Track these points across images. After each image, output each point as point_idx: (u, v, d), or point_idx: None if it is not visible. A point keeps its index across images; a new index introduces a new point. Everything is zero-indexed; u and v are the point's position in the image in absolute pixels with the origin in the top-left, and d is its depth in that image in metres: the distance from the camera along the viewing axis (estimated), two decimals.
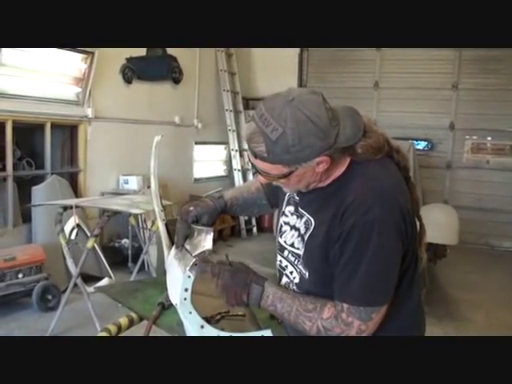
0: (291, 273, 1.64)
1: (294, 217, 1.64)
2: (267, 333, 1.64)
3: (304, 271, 1.57)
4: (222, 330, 1.69)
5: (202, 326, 1.64)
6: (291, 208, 1.67)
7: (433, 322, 4.80)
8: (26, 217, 5.91)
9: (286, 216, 1.69)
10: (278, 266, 1.72)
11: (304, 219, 1.58)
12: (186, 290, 1.62)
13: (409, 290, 1.57)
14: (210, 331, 1.64)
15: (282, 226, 1.70)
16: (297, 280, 1.61)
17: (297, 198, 1.64)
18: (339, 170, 1.51)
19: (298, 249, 1.60)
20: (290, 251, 1.64)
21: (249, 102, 10.30)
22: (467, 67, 8.92)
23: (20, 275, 5.09)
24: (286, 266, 1.66)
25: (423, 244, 1.62)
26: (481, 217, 8.99)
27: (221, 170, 10.08)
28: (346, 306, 1.43)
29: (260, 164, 1.46)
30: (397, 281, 1.46)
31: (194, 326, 1.63)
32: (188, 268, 1.60)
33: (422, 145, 9.41)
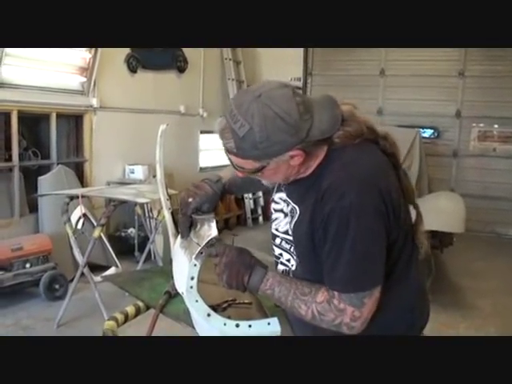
0: (288, 260, 1.64)
1: (286, 204, 1.63)
2: (274, 320, 1.64)
3: (297, 259, 1.58)
4: (229, 318, 1.69)
5: (209, 315, 1.64)
6: (282, 194, 1.65)
7: (439, 310, 4.80)
8: (33, 207, 5.93)
9: (277, 203, 1.68)
10: (273, 256, 1.71)
11: (290, 207, 1.58)
12: (193, 278, 1.62)
13: (404, 278, 1.56)
14: (217, 319, 1.64)
15: (272, 213, 1.70)
16: (294, 267, 1.61)
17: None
18: (319, 159, 1.50)
19: (291, 235, 1.59)
20: (283, 238, 1.64)
21: None
22: (473, 54, 8.83)
23: (27, 265, 5.11)
24: (281, 254, 1.66)
25: (421, 232, 1.61)
26: (487, 205, 8.94)
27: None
28: (336, 292, 1.43)
29: (233, 158, 1.48)
30: (385, 265, 1.45)
31: (200, 314, 1.63)
32: (194, 256, 1.60)
33: (428, 133, 9.35)
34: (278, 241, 1.66)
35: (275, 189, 1.70)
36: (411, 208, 1.63)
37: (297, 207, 1.55)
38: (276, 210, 1.67)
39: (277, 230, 1.66)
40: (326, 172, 1.47)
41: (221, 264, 1.56)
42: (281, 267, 1.66)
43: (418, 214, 1.63)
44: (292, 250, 1.61)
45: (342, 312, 1.42)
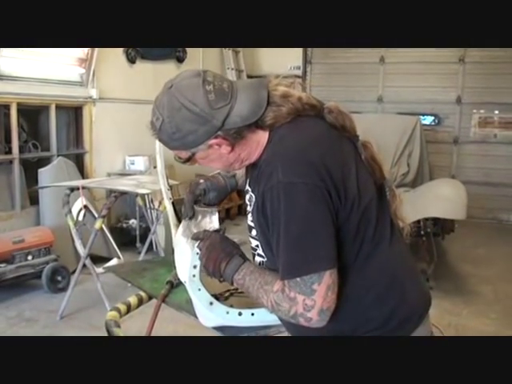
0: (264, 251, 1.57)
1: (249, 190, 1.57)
2: None
3: (263, 248, 1.54)
4: (231, 306, 1.69)
5: (211, 303, 1.64)
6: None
7: (441, 296, 4.82)
8: (34, 199, 5.92)
9: (247, 193, 1.59)
10: (251, 248, 1.64)
11: (249, 195, 1.53)
12: (195, 267, 1.63)
13: (372, 261, 1.45)
14: (219, 308, 1.65)
15: (247, 204, 1.60)
16: (266, 258, 1.56)
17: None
18: (261, 143, 1.47)
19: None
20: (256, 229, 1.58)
21: None
22: None
23: (29, 257, 5.11)
24: (257, 246, 1.58)
25: (397, 213, 1.53)
26: (488, 191, 8.93)
27: None
28: (285, 280, 1.36)
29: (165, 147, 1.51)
30: (335, 246, 1.35)
31: (203, 302, 1.64)
32: (196, 245, 1.60)
33: (428, 120, 9.32)
34: (253, 232, 1.57)
35: (248, 180, 1.62)
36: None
37: (253, 195, 1.50)
38: (248, 201, 1.58)
39: (252, 221, 1.57)
40: (264, 154, 1.45)
41: (203, 247, 1.56)
42: (258, 259, 1.60)
43: (391, 192, 1.53)
44: None
45: (293, 301, 1.35)
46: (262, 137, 1.46)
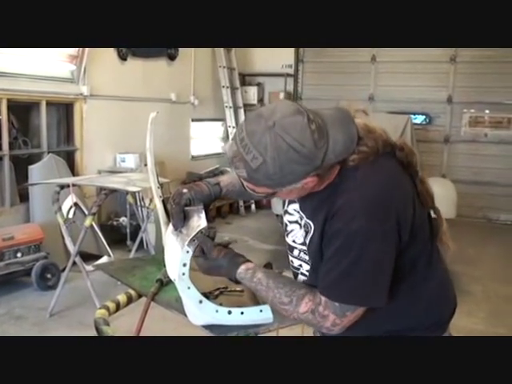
0: (308, 271, 1.62)
1: (299, 216, 1.59)
2: (265, 308, 1.65)
3: (312, 272, 1.57)
4: (221, 305, 1.69)
5: (201, 301, 1.64)
6: (296, 206, 1.61)
7: None
8: (24, 196, 5.90)
9: (291, 214, 1.64)
10: (291, 267, 1.69)
11: (303, 222, 1.55)
12: (185, 265, 1.62)
13: (424, 280, 1.55)
14: (209, 306, 1.65)
15: (287, 224, 1.66)
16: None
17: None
18: (333, 175, 1.45)
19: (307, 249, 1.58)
20: (301, 250, 1.62)
21: (245, 78, 10.23)
22: None
23: (19, 254, 5.10)
24: (300, 265, 1.64)
25: (444, 235, 1.60)
26: (478, 190, 8.99)
27: (218, 147, 10.03)
28: (323, 299, 1.42)
29: (245, 183, 1.44)
30: (388, 284, 1.42)
31: (192, 301, 1.64)
32: (187, 243, 1.60)
33: (419, 119, 9.36)
34: (296, 252, 1.63)
35: (287, 200, 1.66)
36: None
37: (310, 222, 1.51)
38: (291, 222, 1.64)
39: (294, 241, 1.63)
40: (340, 190, 1.43)
41: (204, 265, 1.61)
42: (301, 278, 1.64)
43: (439, 218, 1.59)
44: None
45: (324, 318, 1.43)
46: (335, 170, 1.45)
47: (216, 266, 1.60)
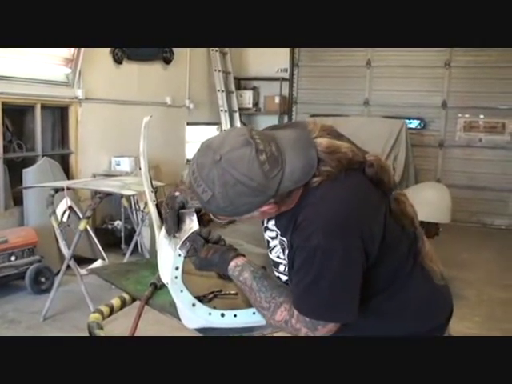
0: None
1: (276, 233, 1.59)
2: None
3: None
4: (214, 308, 1.69)
5: (194, 305, 1.64)
6: (273, 221, 1.59)
7: None
8: (18, 199, 5.87)
9: (272, 230, 1.61)
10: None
11: (279, 239, 1.56)
12: (177, 268, 1.62)
13: (401, 293, 1.52)
14: (202, 309, 1.64)
15: (269, 241, 1.64)
16: None
17: None
18: (296, 197, 1.42)
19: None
20: (286, 265, 1.59)
21: (240, 82, 10.25)
22: None
23: (12, 258, 5.07)
24: (287, 281, 1.60)
25: (427, 257, 1.56)
26: (473, 195, 9.01)
27: None
28: (296, 312, 1.43)
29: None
30: (356, 302, 1.41)
31: (185, 304, 1.64)
32: (179, 247, 1.60)
33: (414, 123, 9.38)
34: (282, 268, 1.60)
35: None
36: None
37: (284, 239, 1.51)
38: (272, 238, 1.62)
39: (278, 257, 1.61)
40: (301, 207, 1.41)
41: (198, 263, 1.62)
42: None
43: (421, 240, 1.55)
44: None
45: (297, 331, 1.44)
46: (300, 189, 1.42)
47: (208, 264, 1.61)
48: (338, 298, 1.39)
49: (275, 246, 1.61)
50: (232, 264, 1.58)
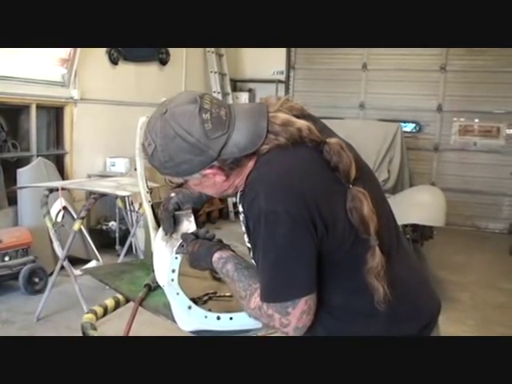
0: None
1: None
2: None
3: None
4: (210, 310, 1.68)
5: (190, 307, 1.64)
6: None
7: None
8: (12, 199, 5.84)
9: (240, 213, 1.54)
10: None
11: (241, 217, 1.49)
12: (174, 271, 1.62)
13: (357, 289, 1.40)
14: (198, 312, 1.64)
15: (242, 226, 1.56)
16: None
17: None
18: (246, 169, 1.40)
19: None
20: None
21: (236, 84, 10.25)
22: (455, 49, 8.87)
23: (6, 258, 5.04)
24: None
25: (368, 272, 1.35)
26: (467, 199, 9.04)
27: None
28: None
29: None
30: (314, 271, 1.33)
31: (181, 306, 1.63)
32: (175, 249, 1.60)
33: (409, 127, 9.40)
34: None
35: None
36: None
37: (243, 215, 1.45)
38: (242, 221, 1.52)
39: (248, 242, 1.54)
40: (249, 175, 1.39)
41: (188, 260, 1.60)
42: None
43: (372, 252, 1.35)
44: None
45: (271, 317, 1.36)
46: (252, 161, 1.39)
47: (195, 259, 1.58)
48: (292, 271, 1.32)
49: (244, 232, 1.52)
50: (216, 256, 1.53)
